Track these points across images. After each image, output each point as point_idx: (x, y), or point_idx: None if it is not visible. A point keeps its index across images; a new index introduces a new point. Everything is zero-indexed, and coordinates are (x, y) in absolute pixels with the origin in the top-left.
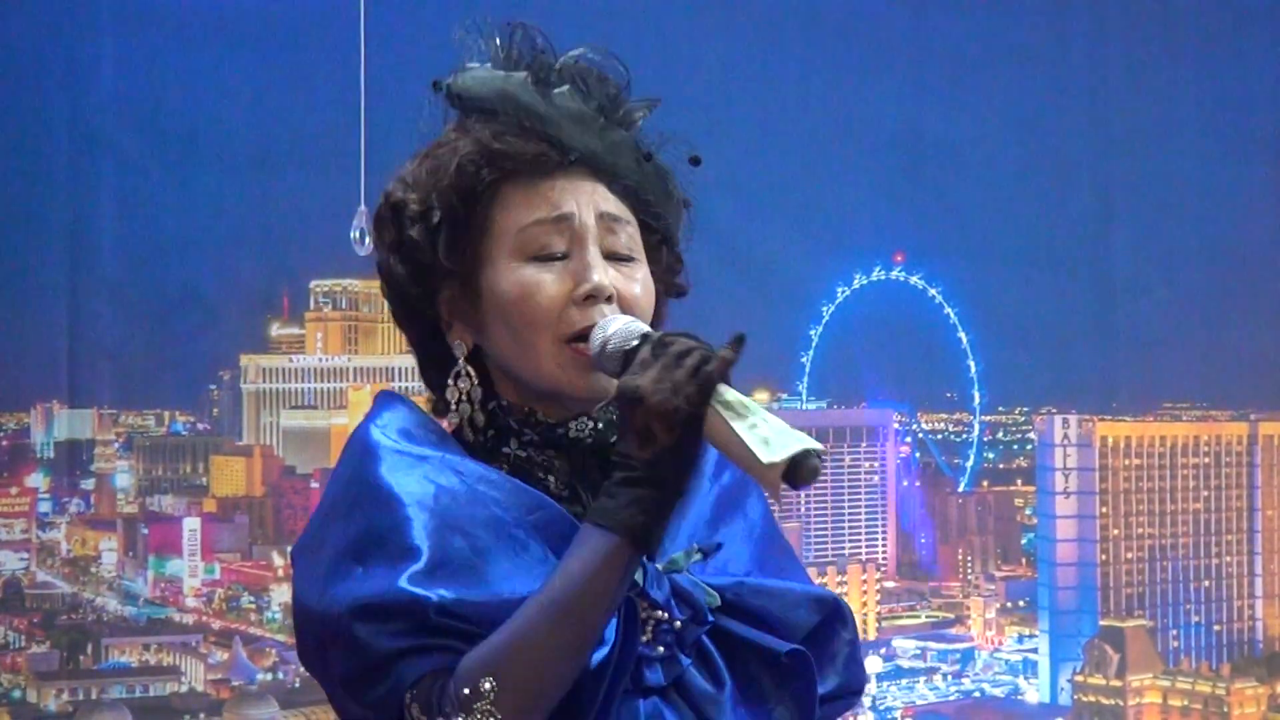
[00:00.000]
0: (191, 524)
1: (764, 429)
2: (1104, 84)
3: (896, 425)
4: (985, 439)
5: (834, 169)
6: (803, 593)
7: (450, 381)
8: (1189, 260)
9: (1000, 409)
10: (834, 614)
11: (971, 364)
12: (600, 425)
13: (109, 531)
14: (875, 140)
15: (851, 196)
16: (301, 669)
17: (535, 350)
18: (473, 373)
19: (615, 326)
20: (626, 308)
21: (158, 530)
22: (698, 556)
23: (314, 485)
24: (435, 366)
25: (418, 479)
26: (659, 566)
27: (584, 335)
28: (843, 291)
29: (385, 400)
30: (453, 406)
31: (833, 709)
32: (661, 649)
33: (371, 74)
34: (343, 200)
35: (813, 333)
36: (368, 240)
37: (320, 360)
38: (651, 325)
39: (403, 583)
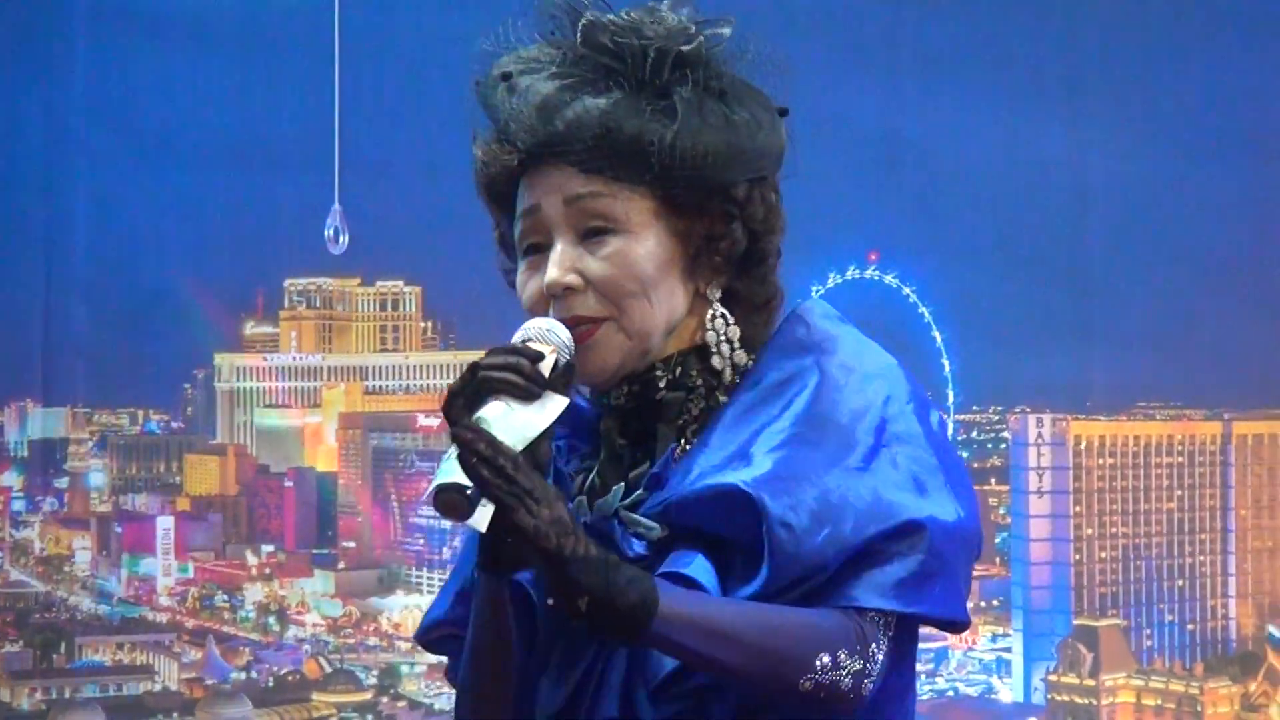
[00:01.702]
0: (165, 523)
1: (445, 460)
2: (1080, 84)
3: None
4: (959, 438)
5: (808, 168)
6: (708, 492)
7: None
8: (1164, 260)
9: (974, 408)
10: (748, 507)
11: (945, 363)
12: (637, 388)
13: (82, 530)
14: (850, 139)
15: (826, 195)
16: (274, 667)
17: None
18: None
19: (515, 337)
20: (598, 286)
21: (131, 529)
22: (640, 493)
23: (288, 484)
24: None
25: None
26: (586, 519)
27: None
28: (817, 290)
29: None
30: None
31: (793, 598)
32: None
33: (346, 76)
34: (317, 199)
35: None
36: (342, 239)
37: (294, 359)
38: (748, 283)
39: (432, 609)
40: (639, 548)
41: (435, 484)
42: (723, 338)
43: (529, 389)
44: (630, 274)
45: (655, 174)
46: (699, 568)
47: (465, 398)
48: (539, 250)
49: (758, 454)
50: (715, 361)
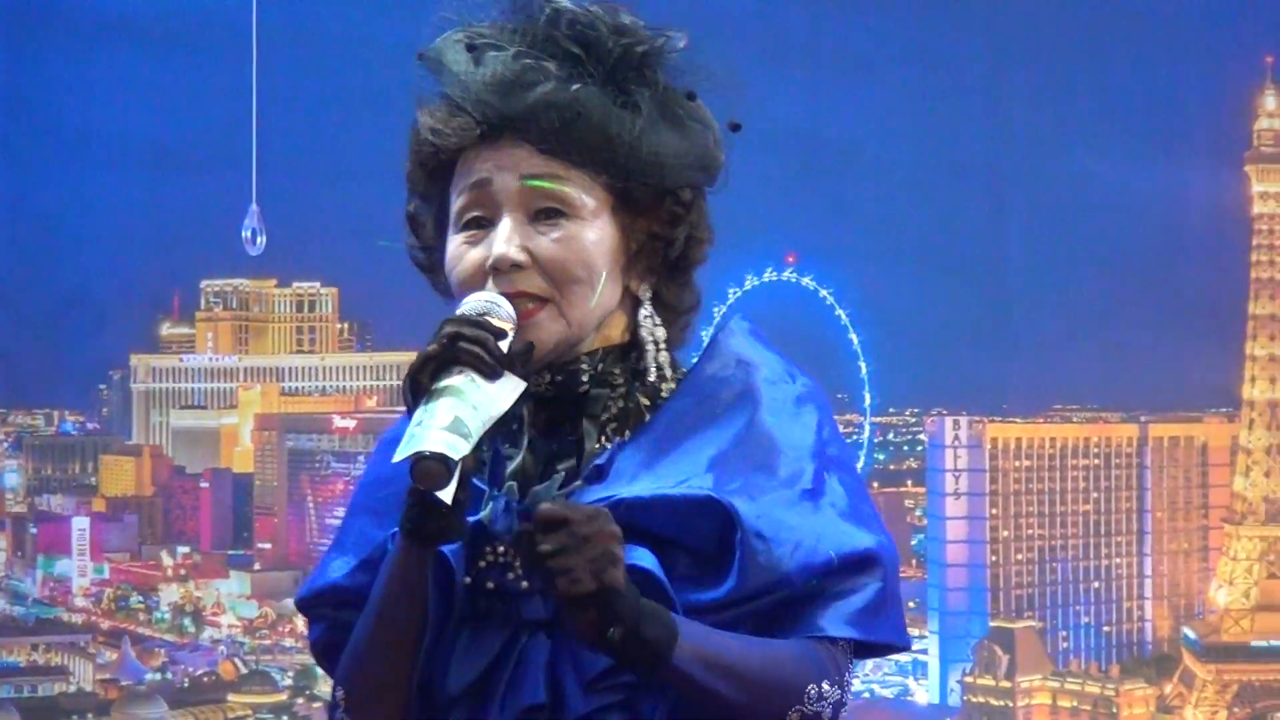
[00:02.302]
0: (80, 523)
1: (419, 426)
2: (1000, 90)
3: None
4: (876, 440)
5: (727, 169)
6: (682, 499)
7: None
8: (1082, 266)
9: (891, 410)
10: (726, 518)
11: (862, 365)
12: (560, 378)
13: None
14: (769, 141)
15: (744, 197)
16: (189, 669)
17: None
18: None
19: (465, 306)
20: (547, 267)
21: (46, 530)
22: (578, 484)
23: (203, 485)
24: None
25: (379, 458)
26: (517, 504)
27: None
28: (734, 292)
29: (378, 447)
30: None
31: (749, 610)
32: (526, 584)
33: (263, 78)
34: (235, 200)
35: (704, 334)
36: (260, 239)
37: (210, 360)
38: (678, 290)
39: (321, 577)
40: None
41: (414, 450)
42: (651, 338)
43: (494, 367)
44: (579, 259)
45: (614, 166)
46: (646, 559)
47: (438, 364)
48: (480, 225)
49: (715, 470)
50: (641, 361)
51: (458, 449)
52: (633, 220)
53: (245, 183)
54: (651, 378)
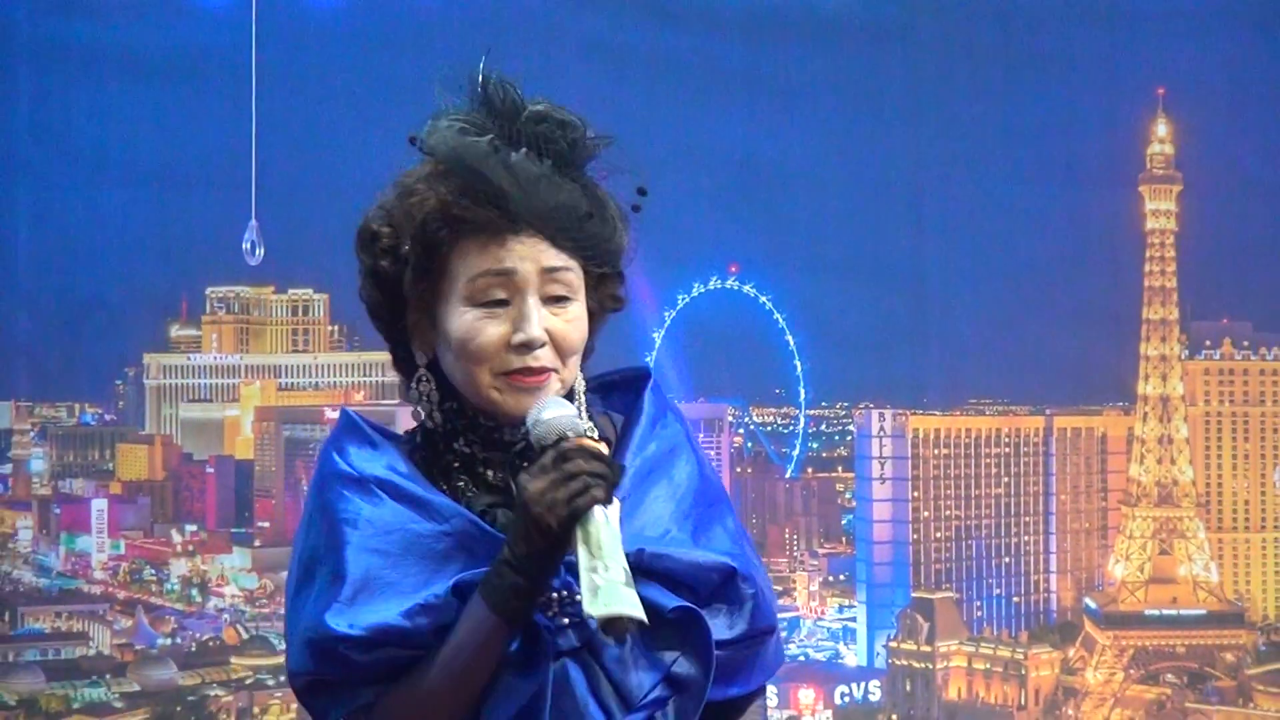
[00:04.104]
0: (99, 505)
1: (601, 577)
2: (917, 115)
3: (730, 418)
4: (810, 430)
5: (675, 190)
6: (703, 563)
7: (413, 384)
8: (992, 272)
9: (823, 404)
10: (733, 573)
11: (798, 363)
12: (524, 429)
13: (25, 511)
14: (712, 163)
15: (690, 214)
16: (196, 634)
17: (476, 380)
18: (431, 378)
19: (548, 415)
20: (559, 344)
21: (68, 510)
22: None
23: (209, 470)
24: (404, 362)
25: (356, 500)
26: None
27: (519, 371)
28: (683, 299)
29: (342, 419)
30: (416, 405)
31: (748, 648)
32: (567, 620)
33: (261, 105)
34: (236, 215)
35: (655, 335)
36: (258, 251)
37: (215, 358)
38: (590, 340)
39: (328, 618)
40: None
41: (617, 612)
42: (581, 391)
43: (611, 494)
44: (580, 335)
45: (600, 257)
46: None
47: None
48: (499, 304)
49: (701, 530)
50: (576, 405)
51: (635, 601)
52: (588, 294)
53: (245, 200)
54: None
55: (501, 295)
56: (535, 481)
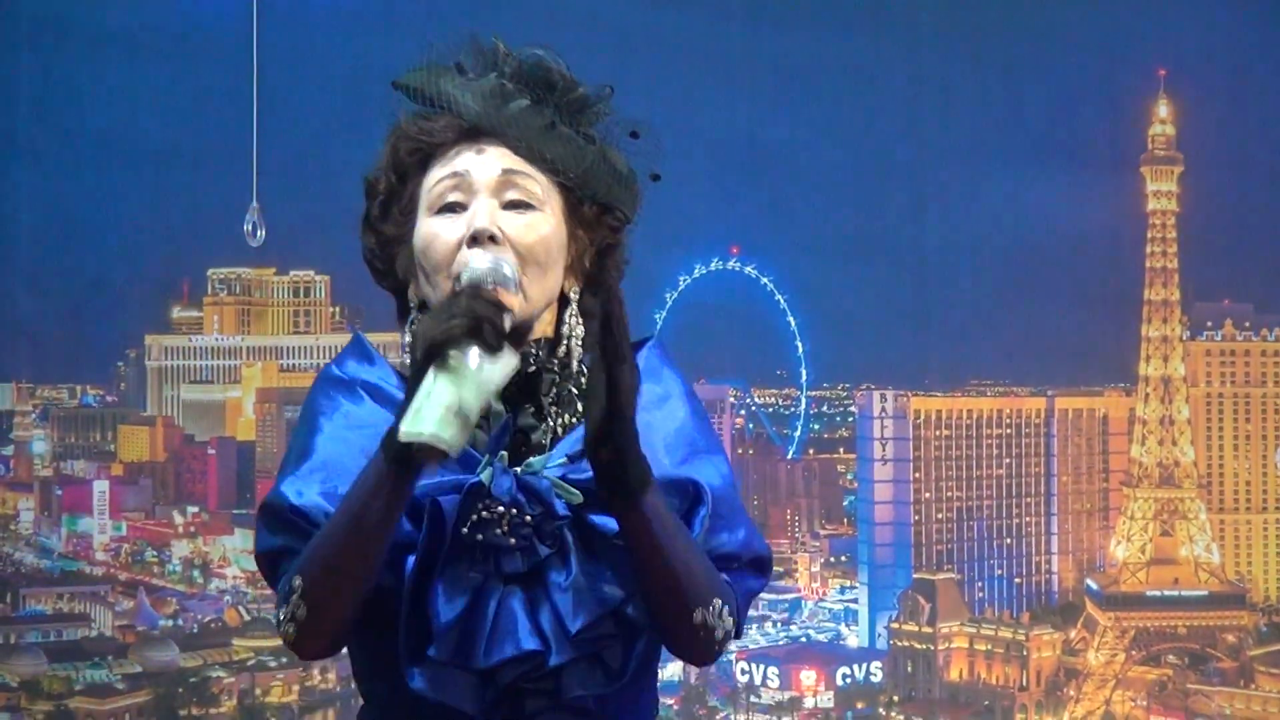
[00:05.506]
0: (101, 486)
1: (426, 400)
2: (919, 98)
3: (732, 400)
4: (811, 412)
5: (678, 171)
6: (659, 478)
7: (408, 327)
8: (993, 255)
9: (824, 385)
10: (695, 497)
11: (799, 345)
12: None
13: (26, 493)
14: (714, 146)
15: (693, 196)
16: (198, 616)
17: (439, 290)
18: (423, 319)
19: (475, 264)
20: (516, 246)
21: (70, 492)
22: (563, 460)
23: (211, 452)
24: (403, 315)
25: (338, 398)
26: (517, 470)
27: None
28: (684, 280)
29: (352, 339)
30: (405, 345)
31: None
32: (514, 540)
33: (263, 87)
34: (237, 197)
35: (657, 316)
36: (260, 233)
37: (216, 340)
38: (588, 275)
39: (283, 486)
40: (561, 508)
41: (418, 430)
42: (573, 334)
43: (497, 344)
44: (541, 244)
45: (573, 178)
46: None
47: (458, 337)
48: (455, 210)
49: (687, 464)
50: (565, 353)
51: (452, 433)
52: (575, 229)
53: (247, 182)
54: (573, 369)
55: (458, 198)
56: (424, 319)
